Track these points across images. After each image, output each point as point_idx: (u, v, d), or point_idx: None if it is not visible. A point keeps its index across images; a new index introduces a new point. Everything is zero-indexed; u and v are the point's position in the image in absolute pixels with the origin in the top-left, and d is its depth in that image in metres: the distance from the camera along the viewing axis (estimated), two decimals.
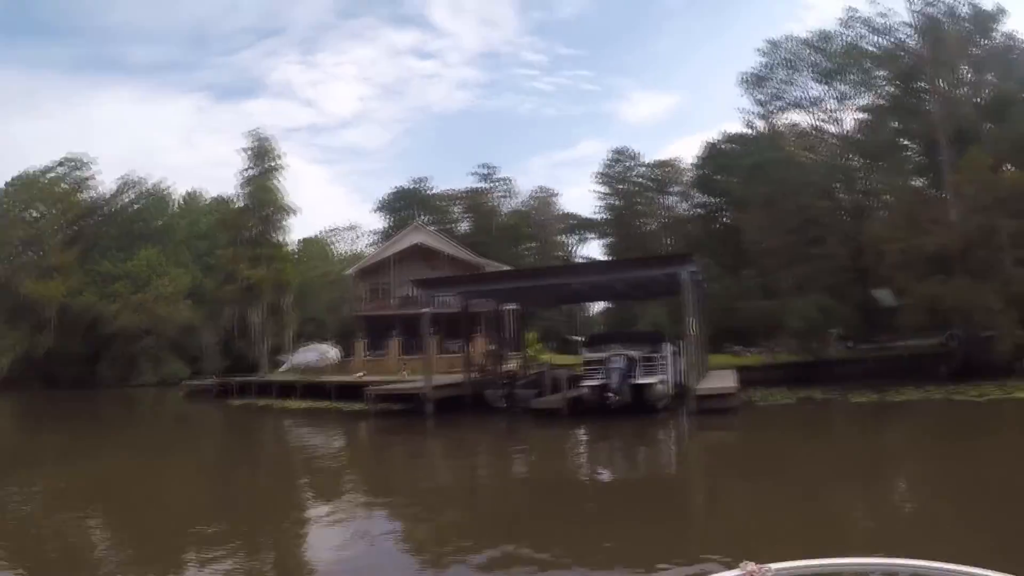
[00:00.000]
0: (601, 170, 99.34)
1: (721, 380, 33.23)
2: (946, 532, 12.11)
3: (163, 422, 45.91)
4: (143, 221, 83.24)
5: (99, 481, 21.57)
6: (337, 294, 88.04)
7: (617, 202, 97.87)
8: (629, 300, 55.24)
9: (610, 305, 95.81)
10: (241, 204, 65.48)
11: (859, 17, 48.80)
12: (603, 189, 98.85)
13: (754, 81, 56.30)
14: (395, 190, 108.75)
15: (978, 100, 45.53)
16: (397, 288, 67.20)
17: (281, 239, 66.79)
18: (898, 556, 3.46)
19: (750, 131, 64.60)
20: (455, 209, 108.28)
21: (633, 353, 31.61)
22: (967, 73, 46.99)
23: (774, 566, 3.33)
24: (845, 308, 43.22)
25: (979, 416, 27.04)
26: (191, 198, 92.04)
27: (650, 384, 30.79)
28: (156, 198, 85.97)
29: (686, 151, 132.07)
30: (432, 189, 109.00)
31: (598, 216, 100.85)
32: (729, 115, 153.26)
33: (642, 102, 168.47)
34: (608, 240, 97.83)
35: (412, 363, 53.47)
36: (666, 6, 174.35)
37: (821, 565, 3.43)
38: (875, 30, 48.71)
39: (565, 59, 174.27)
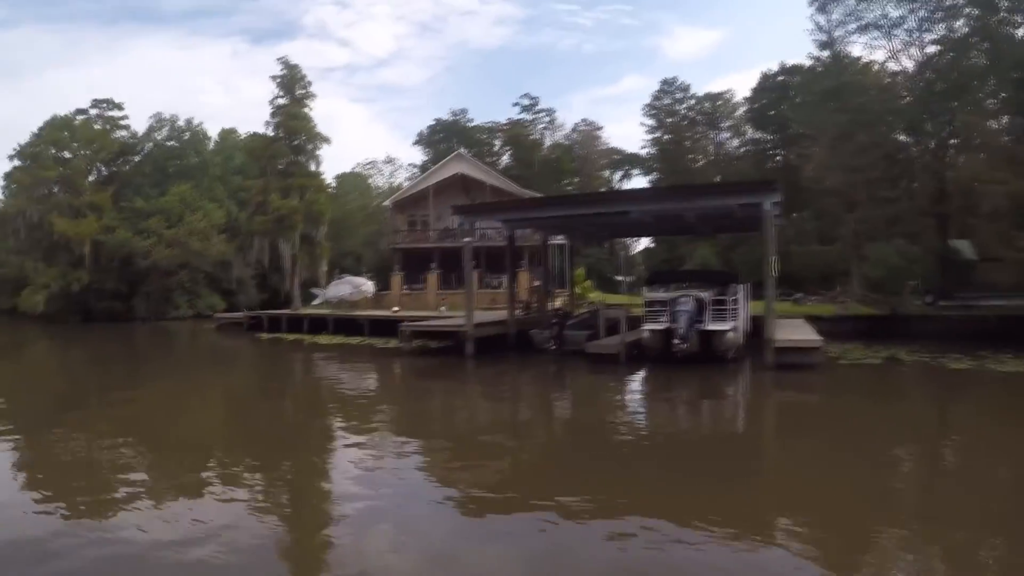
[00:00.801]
0: (649, 102, 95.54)
1: (799, 331, 28.97)
2: None
3: (189, 355, 43.25)
4: (176, 158, 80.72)
5: (124, 414, 20.79)
6: (374, 228, 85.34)
7: (665, 136, 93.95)
8: (693, 235, 50.15)
9: (651, 245, 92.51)
10: (271, 133, 61.79)
11: None
12: (650, 122, 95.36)
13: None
14: (434, 122, 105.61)
15: None
16: (436, 221, 63.85)
17: (313, 169, 63.27)
18: None
19: (814, 61, 58.66)
20: (495, 142, 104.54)
21: (703, 294, 27.74)
22: None
23: None
24: (926, 259, 38.38)
25: None
26: (226, 135, 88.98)
27: (721, 331, 26.86)
28: (190, 135, 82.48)
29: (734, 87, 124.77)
30: (471, 121, 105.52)
31: (644, 151, 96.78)
32: (776, 52, 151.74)
33: (684, 38, 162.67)
34: (654, 176, 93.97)
35: (451, 298, 50.36)
36: None
37: None
38: None
39: None
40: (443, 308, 46.66)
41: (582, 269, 51.66)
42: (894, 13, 44.89)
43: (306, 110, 61.62)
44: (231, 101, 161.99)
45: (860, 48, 50.53)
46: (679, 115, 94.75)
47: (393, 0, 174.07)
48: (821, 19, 48.57)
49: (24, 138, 75.28)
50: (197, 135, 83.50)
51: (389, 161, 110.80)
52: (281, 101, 61.16)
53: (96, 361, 39.22)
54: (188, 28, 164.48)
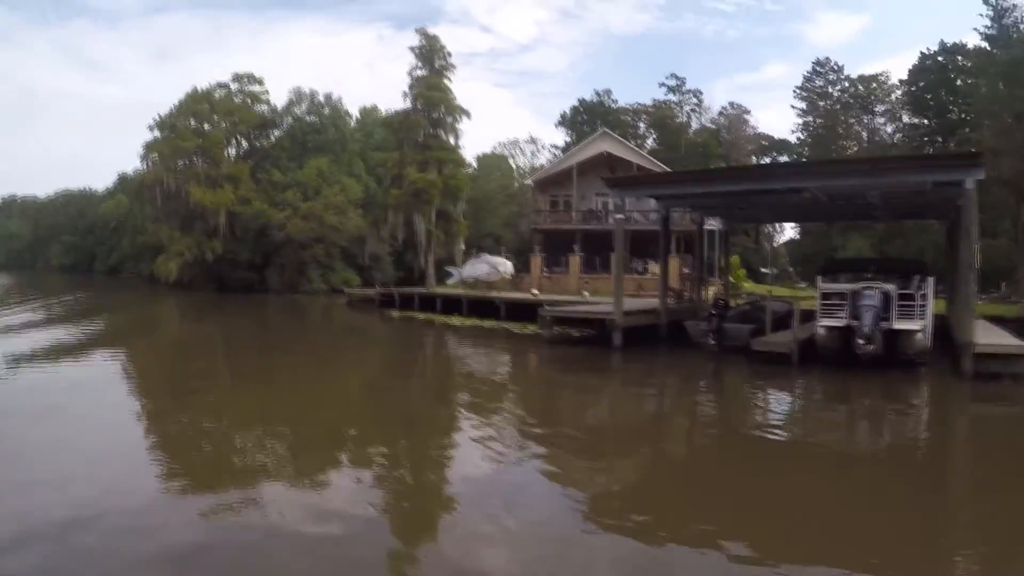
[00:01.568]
0: (800, 83, 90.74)
1: (995, 335, 24.25)
2: None
3: (318, 331, 41.20)
4: (315, 132, 78.91)
5: (254, 390, 20.66)
6: (514, 209, 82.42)
7: (816, 121, 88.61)
8: (869, 220, 44.79)
9: (796, 236, 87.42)
10: (409, 106, 58.84)
11: None
12: (801, 105, 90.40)
13: None
14: (577, 103, 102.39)
15: None
16: (579, 201, 60.30)
17: (452, 142, 60.09)
18: None
19: (983, 37, 54.11)
20: (640, 124, 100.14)
21: (889, 288, 23.23)
22: None
23: None
24: None
25: None
26: (367, 112, 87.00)
27: (909, 331, 22.57)
28: (329, 110, 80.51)
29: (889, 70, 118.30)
30: (616, 102, 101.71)
31: (795, 136, 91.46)
32: (925, 37, 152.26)
33: (828, 23, 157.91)
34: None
35: (594, 283, 46.69)
36: None
37: None
38: None
39: None
40: (586, 293, 43.08)
41: (736, 257, 47.00)
42: None
43: (446, 82, 58.69)
44: (375, 86, 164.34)
45: None
46: (831, 98, 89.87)
47: None
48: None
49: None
50: (337, 110, 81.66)
51: (532, 141, 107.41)
52: (420, 73, 58.33)
53: (228, 334, 37.94)
54: (334, 15, 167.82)
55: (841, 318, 23.24)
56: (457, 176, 58.85)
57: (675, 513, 10.24)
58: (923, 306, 23.14)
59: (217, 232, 68.91)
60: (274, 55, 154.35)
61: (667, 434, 16.40)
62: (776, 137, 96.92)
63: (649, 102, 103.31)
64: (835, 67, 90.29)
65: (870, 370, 22.12)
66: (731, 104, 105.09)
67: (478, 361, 27.34)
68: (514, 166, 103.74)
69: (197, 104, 74.25)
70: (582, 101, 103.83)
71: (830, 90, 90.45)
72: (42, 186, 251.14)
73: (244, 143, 78.52)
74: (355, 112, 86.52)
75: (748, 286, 51.81)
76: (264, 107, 78.93)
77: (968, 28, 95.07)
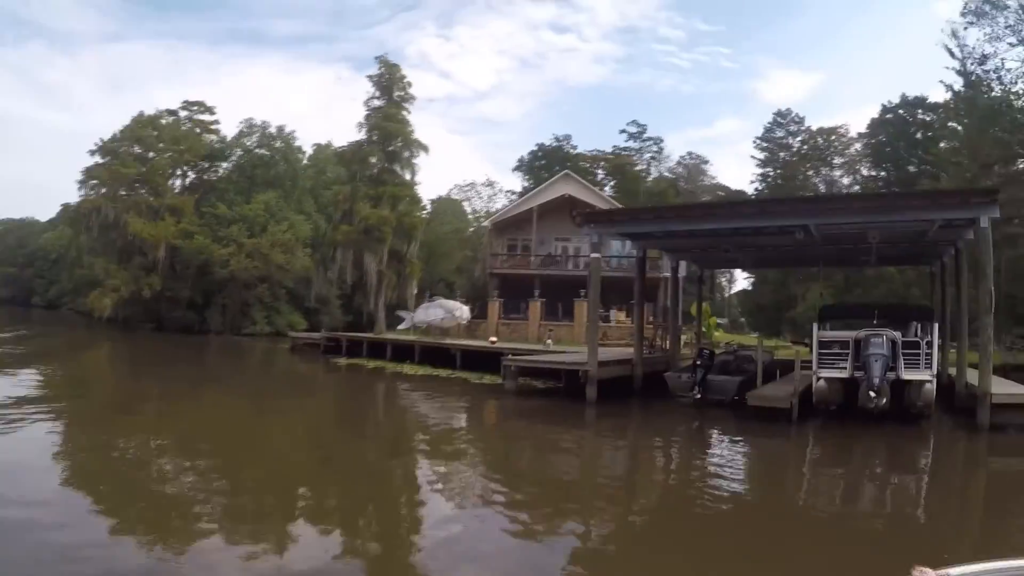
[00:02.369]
0: (761, 134, 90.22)
1: (1004, 384, 22.04)
2: None
3: (259, 377, 37.55)
4: (265, 166, 74.98)
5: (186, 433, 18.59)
6: (468, 253, 79.32)
7: (774, 171, 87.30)
8: (858, 265, 41.66)
9: (749, 285, 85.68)
10: (364, 137, 55.04)
11: None
12: (761, 156, 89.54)
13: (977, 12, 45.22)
14: (536, 148, 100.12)
15: None
16: (539, 246, 57.35)
17: (408, 177, 56.21)
18: None
19: (949, 89, 52.49)
20: (599, 171, 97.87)
21: (896, 335, 21.04)
22: None
23: (953, 571, 2.95)
24: None
25: None
26: (320, 149, 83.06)
27: (919, 382, 20.46)
28: (280, 144, 76.75)
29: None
30: (575, 148, 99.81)
31: (752, 187, 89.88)
32: (876, 95, 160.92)
33: (782, 81, 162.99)
34: None
35: (558, 330, 43.36)
36: None
37: (1003, 569, 2.99)
38: None
39: (703, 35, 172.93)
40: (549, 342, 39.76)
41: (707, 304, 43.80)
42: None
43: (404, 114, 55.05)
44: (331, 127, 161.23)
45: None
46: (791, 149, 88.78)
47: (496, 34, 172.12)
48: (953, 44, 45.51)
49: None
50: (289, 144, 77.72)
51: (489, 184, 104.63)
52: (378, 103, 54.58)
53: (163, 376, 33.93)
54: (293, 53, 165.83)
55: (843, 368, 21.27)
56: (412, 214, 55.13)
57: None
58: (928, 354, 20.99)
59: (156, 267, 64.56)
60: (231, 91, 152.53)
61: (659, 500, 13.52)
62: (733, 188, 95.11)
63: (612, 146, 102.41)
64: (796, 118, 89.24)
65: (875, 425, 20.08)
66: (689, 154, 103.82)
67: (436, 415, 24.00)
68: (469, 209, 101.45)
69: (142, 130, 70.34)
70: (541, 146, 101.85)
71: (790, 141, 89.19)
72: None
73: (190, 174, 74.68)
74: (308, 149, 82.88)
75: (719, 335, 48.88)
76: (213, 137, 75.19)
77: (922, 84, 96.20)
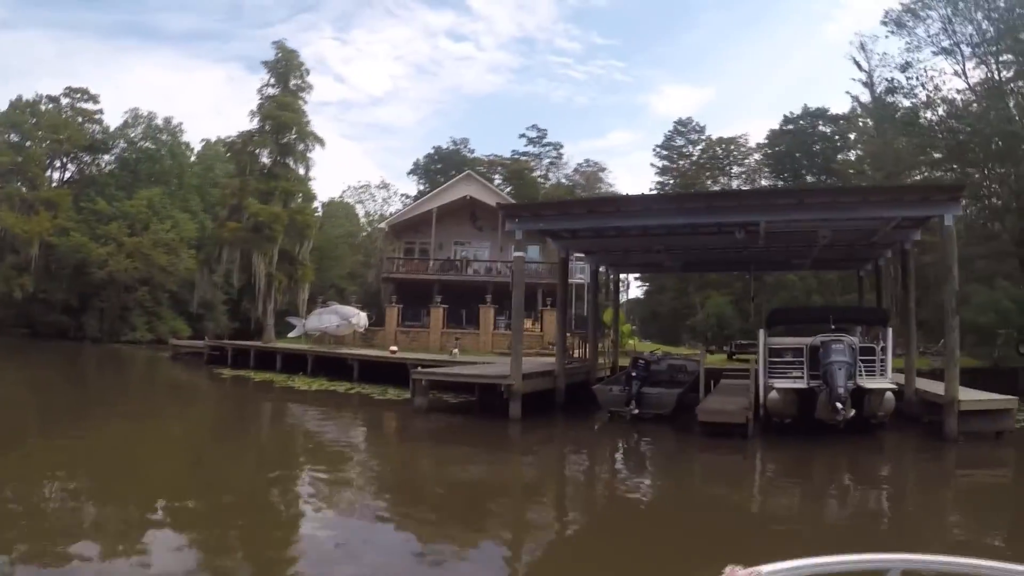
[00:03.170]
0: (661, 142, 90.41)
1: (968, 391, 20.03)
2: None
3: (129, 390, 32.60)
4: (150, 160, 70.15)
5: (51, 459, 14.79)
6: (361, 257, 75.53)
7: (672, 180, 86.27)
8: (791, 268, 39.23)
9: (641, 294, 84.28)
10: (256, 126, 50.06)
11: None
12: (660, 164, 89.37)
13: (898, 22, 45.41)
14: (433, 150, 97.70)
15: None
16: (438, 250, 53.86)
17: (303, 172, 51.21)
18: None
19: (855, 100, 56.02)
20: (496, 177, 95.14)
21: (854, 340, 19.14)
22: None
23: (764, 569, 2.68)
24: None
25: None
26: (209, 146, 78.07)
27: (879, 390, 18.48)
28: (167, 137, 71.95)
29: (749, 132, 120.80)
30: (473, 152, 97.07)
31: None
32: (766, 112, 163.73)
33: (674, 96, 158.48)
34: None
35: (465, 338, 40.04)
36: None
37: (816, 565, 2.79)
38: None
39: (599, 48, 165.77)
40: (455, 351, 36.17)
41: (609, 309, 40.72)
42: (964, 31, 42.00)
43: (300, 103, 50.31)
44: (221, 127, 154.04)
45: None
46: (691, 158, 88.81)
47: (393, 40, 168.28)
48: (860, 56, 47.90)
49: None
50: (176, 138, 73.15)
51: (383, 186, 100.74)
52: (272, 91, 49.82)
53: (31, 386, 30.15)
54: (186, 50, 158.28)
55: (798, 378, 19.22)
56: (305, 211, 50.56)
57: None
58: (883, 360, 19.69)
59: (29, 266, 59.14)
60: (121, 86, 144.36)
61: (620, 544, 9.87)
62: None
63: (511, 150, 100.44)
64: (697, 127, 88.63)
65: (831, 437, 17.87)
66: (587, 161, 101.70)
67: (335, 438, 20.11)
68: (363, 212, 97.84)
69: (19, 115, 65.05)
70: (438, 149, 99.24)
71: (691, 150, 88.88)
72: None
73: (70, 166, 70.07)
74: (197, 146, 78.06)
75: (633, 343, 46.01)
76: (96, 127, 69.85)
77: (814, 98, 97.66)
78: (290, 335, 44.85)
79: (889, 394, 18.77)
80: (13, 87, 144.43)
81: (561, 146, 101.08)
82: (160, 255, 59.71)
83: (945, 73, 43.65)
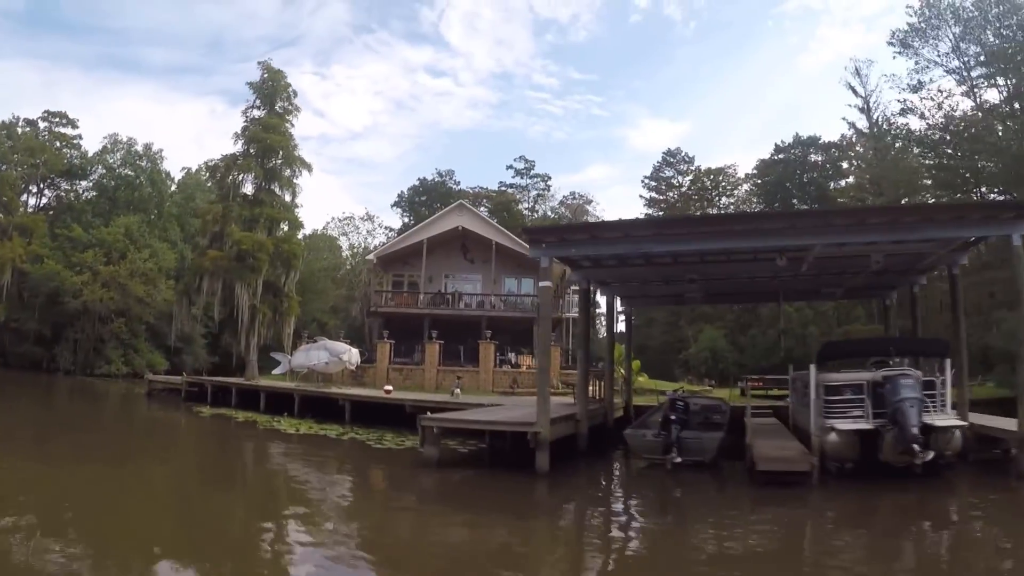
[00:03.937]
0: (650, 173, 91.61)
1: None
2: None
3: (98, 428, 29.45)
4: (129, 187, 67.38)
5: None
6: (345, 291, 72.81)
7: (660, 212, 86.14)
8: (823, 298, 37.87)
9: (622, 328, 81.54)
10: (240, 149, 46.59)
11: None
12: (648, 195, 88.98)
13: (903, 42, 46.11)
14: (418, 182, 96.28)
15: None
16: (427, 283, 51.13)
17: (289, 199, 47.62)
18: None
19: (851, 127, 59.57)
20: (482, 208, 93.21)
21: (919, 374, 17.43)
22: None
23: None
24: None
25: None
26: (190, 176, 75.62)
27: (947, 428, 16.65)
28: (147, 163, 69.18)
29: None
30: (458, 184, 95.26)
31: None
32: (744, 145, 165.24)
33: (651, 130, 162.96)
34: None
35: (467, 376, 37.24)
36: (678, 35, 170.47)
37: None
38: None
39: (577, 83, 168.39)
40: (457, 391, 33.19)
41: (620, 345, 37.67)
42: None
43: (287, 126, 47.10)
44: (204, 158, 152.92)
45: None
46: (679, 189, 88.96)
47: (372, 75, 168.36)
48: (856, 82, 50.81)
49: None
50: (155, 164, 70.49)
51: (368, 218, 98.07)
52: (258, 113, 46.82)
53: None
54: (168, 83, 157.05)
55: (860, 417, 17.20)
56: (291, 240, 47.21)
57: None
58: (943, 395, 17.73)
59: (1, 294, 56.76)
60: (103, 118, 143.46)
61: None
62: None
63: (499, 182, 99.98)
64: (686, 158, 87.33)
65: (897, 481, 16.12)
66: (573, 194, 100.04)
67: (329, 500, 16.53)
68: (346, 245, 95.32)
69: None
70: (423, 180, 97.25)
71: (680, 180, 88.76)
72: None
73: (46, 191, 68.24)
74: (178, 175, 75.45)
75: (643, 380, 43.12)
76: (74, 152, 67.88)
77: (789, 133, 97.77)
78: (274, 372, 41.83)
79: (957, 432, 16.92)
80: None
81: (549, 177, 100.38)
82: (137, 285, 57.10)
83: (954, 94, 43.97)
